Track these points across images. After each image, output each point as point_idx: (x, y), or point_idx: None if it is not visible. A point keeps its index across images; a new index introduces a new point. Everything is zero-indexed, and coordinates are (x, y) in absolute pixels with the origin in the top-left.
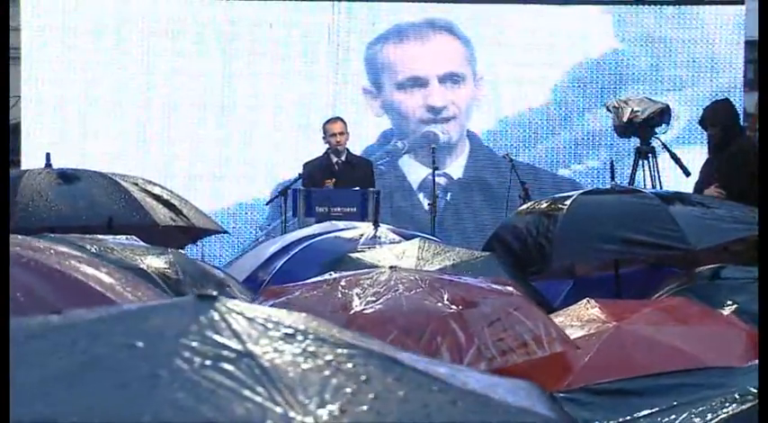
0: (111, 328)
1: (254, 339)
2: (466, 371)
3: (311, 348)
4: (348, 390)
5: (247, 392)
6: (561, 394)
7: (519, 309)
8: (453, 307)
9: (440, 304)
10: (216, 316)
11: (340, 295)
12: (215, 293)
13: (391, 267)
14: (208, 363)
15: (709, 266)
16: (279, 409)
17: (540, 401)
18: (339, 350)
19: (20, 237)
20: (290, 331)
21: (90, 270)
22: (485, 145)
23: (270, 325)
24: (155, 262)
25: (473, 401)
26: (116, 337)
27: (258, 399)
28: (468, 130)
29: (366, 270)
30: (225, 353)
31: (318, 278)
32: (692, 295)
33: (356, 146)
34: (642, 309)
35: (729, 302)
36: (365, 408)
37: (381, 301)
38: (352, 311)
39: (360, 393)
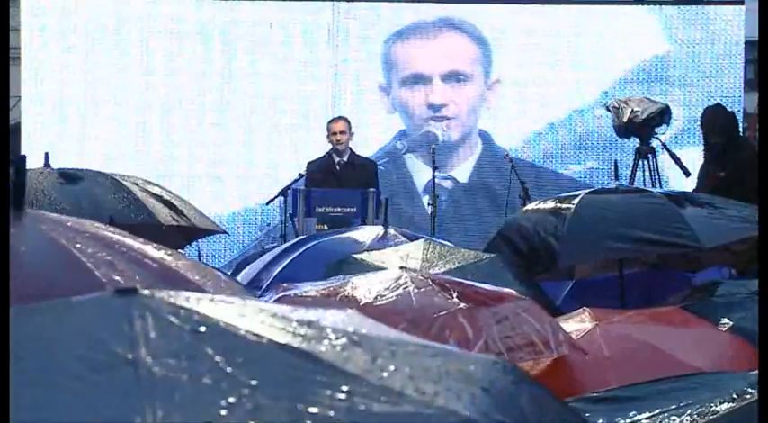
0: (27, 330)
1: (150, 342)
2: (420, 352)
3: (212, 350)
4: (229, 400)
5: (106, 408)
6: None
7: (528, 311)
8: (463, 304)
9: (450, 301)
10: (122, 315)
11: (350, 289)
12: (135, 287)
13: (402, 267)
14: (82, 373)
15: (706, 281)
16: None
17: (473, 391)
18: (246, 348)
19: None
20: (201, 329)
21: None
22: (485, 146)
23: (180, 323)
24: None
25: (379, 402)
26: (15, 340)
27: (119, 416)
28: (481, 130)
29: (377, 271)
30: (107, 360)
31: (330, 279)
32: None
33: (360, 146)
34: (629, 313)
35: (725, 320)
36: (239, 419)
37: (391, 296)
38: (362, 303)
39: (240, 404)
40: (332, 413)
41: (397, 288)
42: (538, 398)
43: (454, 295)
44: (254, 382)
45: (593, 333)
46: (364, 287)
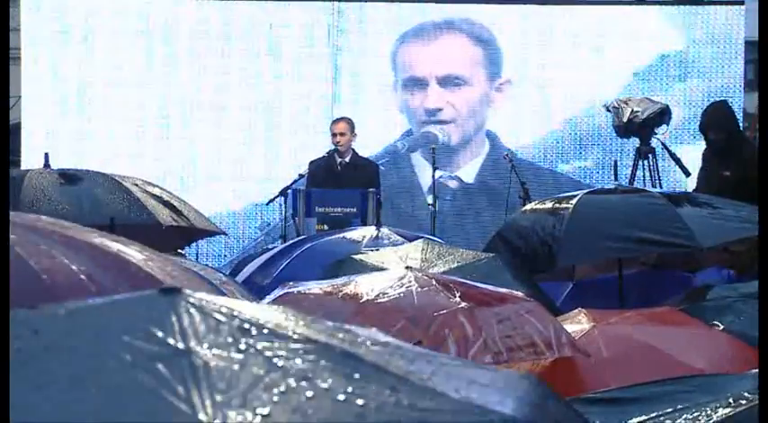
0: (58, 325)
1: (199, 335)
2: (447, 363)
3: (260, 344)
4: (281, 388)
5: (167, 394)
6: None
7: (531, 312)
8: (464, 303)
9: (451, 300)
10: (169, 310)
11: (353, 287)
12: (179, 287)
13: (407, 267)
14: (139, 362)
15: (700, 284)
16: (188, 410)
17: (511, 397)
18: (291, 345)
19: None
20: (245, 326)
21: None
22: (505, 147)
23: (226, 319)
24: None
25: (423, 399)
26: (58, 334)
27: (174, 400)
28: (488, 131)
29: (382, 271)
30: (161, 351)
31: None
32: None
33: (356, 146)
34: (627, 314)
35: (715, 323)
36: (292, 407)
37: (393, 294)
38: (363, 300)
39: (292, 393)
40: (378, 406)
41: (401, 287)
42: (562, 409)
43: (457, 295)
44: (303, 375)
45: (591, 334)
46: (367, 285)
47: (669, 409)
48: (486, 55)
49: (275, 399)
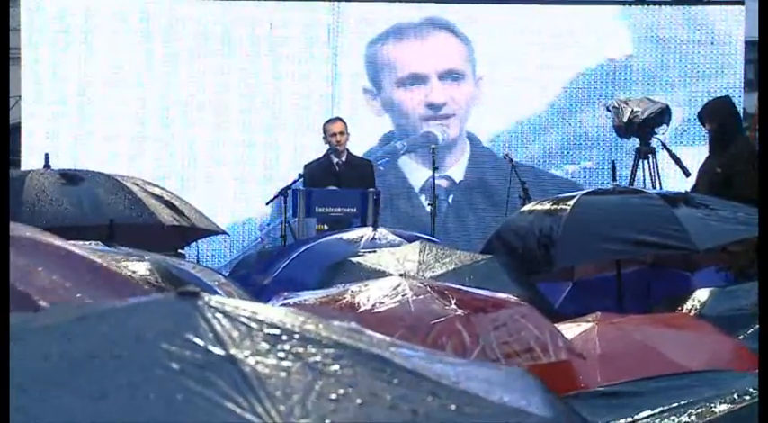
0: (89, 330)
1: (237, 342)
2: (459, 363)
3: (296, 350)
4: (333, 396)
5: (227, 403)
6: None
7: (526, 317)
8: (461, 311)
9: (447, 307)
10: (197, 315)
11: (348, 297)
12: (197, 290)
13: (401, 275)
14: (187, 370)
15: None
16: (258, 421)
17: (536, 397)
18: (326, 350)
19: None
20: (274, 331)
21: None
22: (484, 146)
23: (254, 324)
24: (136, 268)
25: (465, 403)
26: (94, 340)
27: (238, 410)
28: (468, 132)
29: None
30: (205, 358)
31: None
32: None
33: (356, 146)
34: (633, 316)
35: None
36: (350, 416)
37: (389, 303)
38: (360, 311)
39: (345, 400)
40: (427, 413)
41: (396, 296)
42: (566, 408)
43: (452, 302)
44: (347, 382)
45: (590, 332)
46: (363, 295)
47: (674, 405)
48: (471, 52)
49: (332, 407)
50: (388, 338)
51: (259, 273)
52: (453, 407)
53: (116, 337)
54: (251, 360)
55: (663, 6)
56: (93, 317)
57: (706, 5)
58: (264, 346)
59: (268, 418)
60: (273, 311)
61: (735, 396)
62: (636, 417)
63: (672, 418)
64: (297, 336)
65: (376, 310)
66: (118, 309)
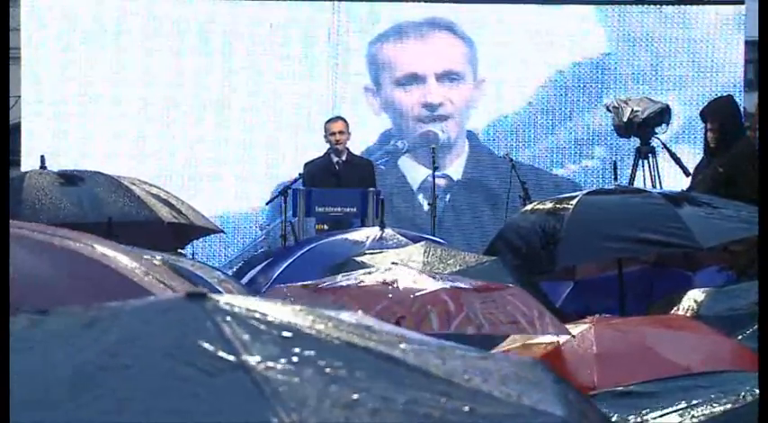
0: (97, 337)
1: (247, 346)
2: (468, 356)
3: (307, 353)
4: (345, 402)
5: (240, 414)
6: None
7: (515, 296)
8: (448, 285)
9: (435, 283)
10: (206, 318)
11: (338, 279)
12: (205, 291)
13: (393, 263)
14: (199, 378)
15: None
16: None
17: (549, 391)
18: (337, 353)
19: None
20: (285, 334)
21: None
22: (484, 145)
23: (264, 327)
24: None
25: (479, 404)
26: (103, 349)
27: (253, 420)
28: (468, 131)
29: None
30: (217, 366)
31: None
32: None
33: (356, 146)
34: (633, 317)
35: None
36: (349, 413)
37: (377, 278)
38: (344, 285)
39: (358, 406)
40: (442, 416)
41: (385, 273)
42: (581, 400)
43: (440, 282)
44: (359, 386)
45: (587, 332)
46: (353, 275)
47: (683, 405)
48: (471, 53)
49: (346, 414)
50: (397, 332)
51: (262, 273)
52: (467, 408)
53: (125, 347)
54: (262, 366)
55: (663, 6)
56: (101, 323)
57: (706, 5)
58: (276, 350)
59: None
60: (283, 311)
61: (741, 396)
62: (644, 417)
63: (682, 418)
64: (308, 337)
65: (361, 284)
66: (126, 313)
